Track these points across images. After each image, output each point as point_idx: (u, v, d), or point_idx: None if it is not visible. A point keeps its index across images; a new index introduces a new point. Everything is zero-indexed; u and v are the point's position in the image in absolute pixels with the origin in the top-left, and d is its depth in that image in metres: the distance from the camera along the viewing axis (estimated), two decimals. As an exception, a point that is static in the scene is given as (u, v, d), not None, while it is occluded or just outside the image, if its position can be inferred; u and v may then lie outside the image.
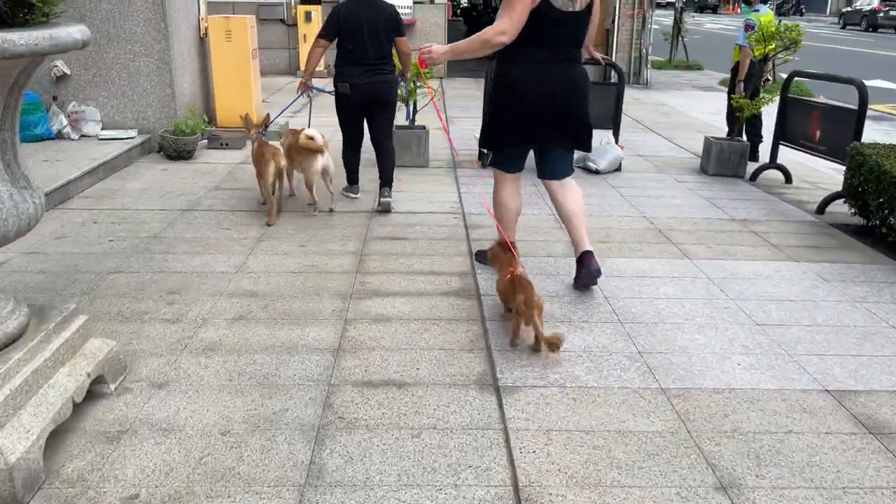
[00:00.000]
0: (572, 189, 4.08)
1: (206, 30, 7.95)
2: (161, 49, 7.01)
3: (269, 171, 5.13)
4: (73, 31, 2.42)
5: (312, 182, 5.33)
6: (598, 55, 6.54)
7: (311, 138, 5.16)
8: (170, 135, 6.92)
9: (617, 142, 7.11)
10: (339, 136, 5.79)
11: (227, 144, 7.57)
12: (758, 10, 7.65)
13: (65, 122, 6.88)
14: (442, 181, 6.51)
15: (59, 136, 6.88)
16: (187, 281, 4.05)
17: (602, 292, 4.08)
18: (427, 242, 4.83)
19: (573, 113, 3.88)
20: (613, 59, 14.51)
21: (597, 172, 6.87)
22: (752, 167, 7.07)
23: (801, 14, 49.93)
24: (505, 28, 3.57)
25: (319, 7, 13.55)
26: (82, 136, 6.99)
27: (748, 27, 7.33)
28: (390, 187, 5.66)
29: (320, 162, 5.24)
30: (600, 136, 7.01)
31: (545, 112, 3.81)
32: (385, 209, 5.54)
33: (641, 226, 5.36)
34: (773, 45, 6.81)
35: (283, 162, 5.34)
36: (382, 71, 5.41)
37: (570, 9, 3.69)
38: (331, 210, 5.52)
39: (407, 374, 3.13)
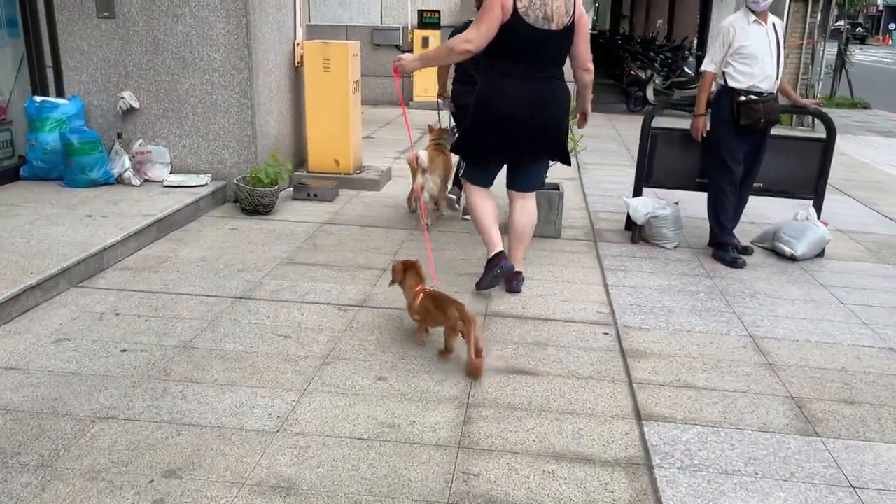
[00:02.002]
0: (531, 206, 4.23)
1: (301, 57, 6.73)
2: (243, 80, 5.80)
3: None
4: None
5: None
6: (807, 101, 4.95)
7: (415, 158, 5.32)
8: (245, 184, 5.68)
9: (819, 217, 5.27)
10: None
11: (315, 195, 6.27)
12: None
13: (127, 163, 5.77)
14: (580, 263, 4.90)
15: (120, 180, 5.77)
16: (200, 447, 2.63)
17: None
18: (566, 384, 3.23)
19: (548, 129, 3.96)
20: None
21: (793, 259, 5.06)
22: None
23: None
24: (472, 37, 3.70)
25: (438, 32, 12.29)
26: (146, 180, 5.86)
27: None
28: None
29: (419, 181, 5.35)
30: (796, 208, 5.21)
31: (518, 127, 3.89)
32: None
33: None
34: None
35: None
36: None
37: (546, 27, 3.72)
38: (427, 224, 5.25)
39: None
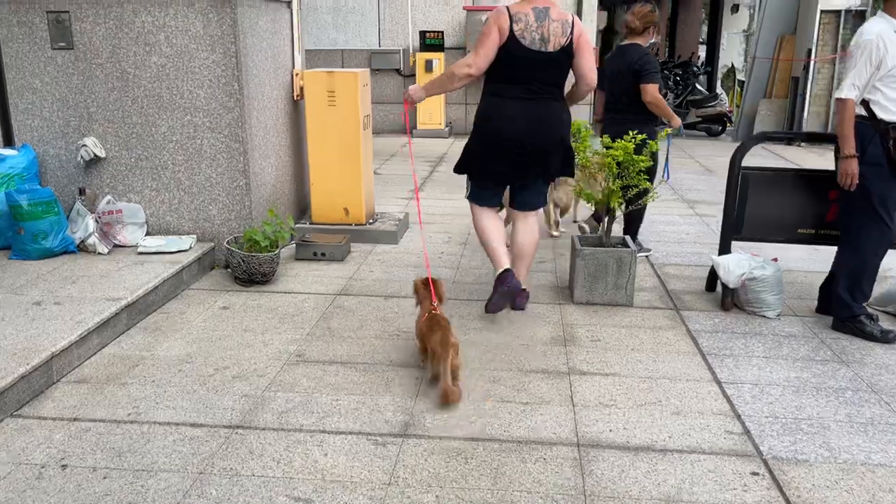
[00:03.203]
0: (533, 225, 4.21)
1: (301, 89, 5.68)
2: (232, 120, 4.74)
3: None
4: None
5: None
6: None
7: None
8: (238, 249, 4.60)
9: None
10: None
11: (324, 255, 5.19)
12: None
13: (92, 226, 4.67)
14: (671, 344, 3.83)
15: (83, 248, 4.68)
16: None
17: None
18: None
19: (548, 150, 3.95)
20: (804, 115, 11.55)
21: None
22: None
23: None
24: (471, 62, 3.81)
25: (442, 54, 11.30)
26: (116, 246, 4.77)
27: None
28: None
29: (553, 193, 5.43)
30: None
31: (516, 148, 3.90)
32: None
33: None
34: None
35: None
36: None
37: (542, 49, 3.77)
38: (551, 235, 5.56)
39: None
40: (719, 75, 16.65)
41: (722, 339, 3.91)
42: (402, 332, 3.93)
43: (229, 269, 4.74)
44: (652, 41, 5.22)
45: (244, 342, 3.78)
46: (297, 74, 5.67)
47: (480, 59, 3.80)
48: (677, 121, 5.15)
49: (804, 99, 11.54)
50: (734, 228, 4.38)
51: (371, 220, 5.87)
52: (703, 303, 4.46)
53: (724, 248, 4.41)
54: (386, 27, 11.84)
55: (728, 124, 13.86)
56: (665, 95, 13.56)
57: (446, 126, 11.66)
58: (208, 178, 4.85)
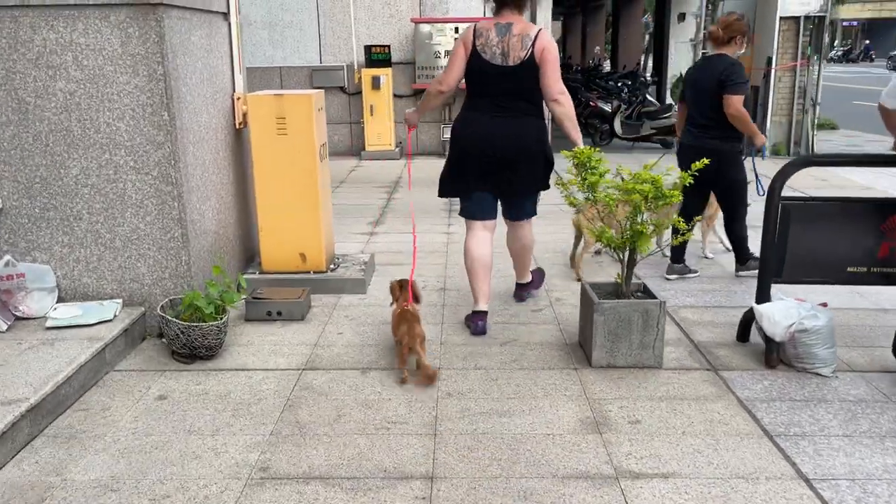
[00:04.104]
0: (524, 233, 4.29)
1: (244, 116, 4.81)
2: (163, 158, 3.85)
3: None
4: None
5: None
6: None
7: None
8: (175, 317, 3.70)
9: None
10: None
11: (280, 314, 4.32)
12: None
13: (-14, 297, 3.70)
14: (726, 421, 3.12)
15: (-26, 324, 3.70)
16: None
17: None
18: None
19: (516, 163, 3.96)
20: (767, 125, 11.20)
21: None
22: None
23: (871, 60, 48.09)
24: (442, 79, 4.01)
25: (390, 70, 10.52)
26: (19, 318, 3.81)
27: None
28: None
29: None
30: None
31: (483, 160, 3.97)
32: None
33: None
34: None
35: None
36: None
37: (502, 63, 3.84)
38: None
39: None
40: (668, 85, 16.35)
41: (782, 410, 3.22)
42: (391, 423, 3.11)
43: (164, 339, 3.83)
44: (741, 52, 4.82)
45: (189, 451, 2.90)
46: (238, 98, 4.79)
47: (448, 75, 3.99)
48: (761, 138, 4.85)
49: (765, 108, 11.19)
50: (775, 271, 3.72)
51: (333, 266, 5.02)
52: (742, 358, 3.77)
53: (763, 294, 3.74)
54: (327, 42, 10.99)
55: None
56: (619, 108, 13.22)
57: (396, 147, 10.86)
58: (135, 230, 3.94)
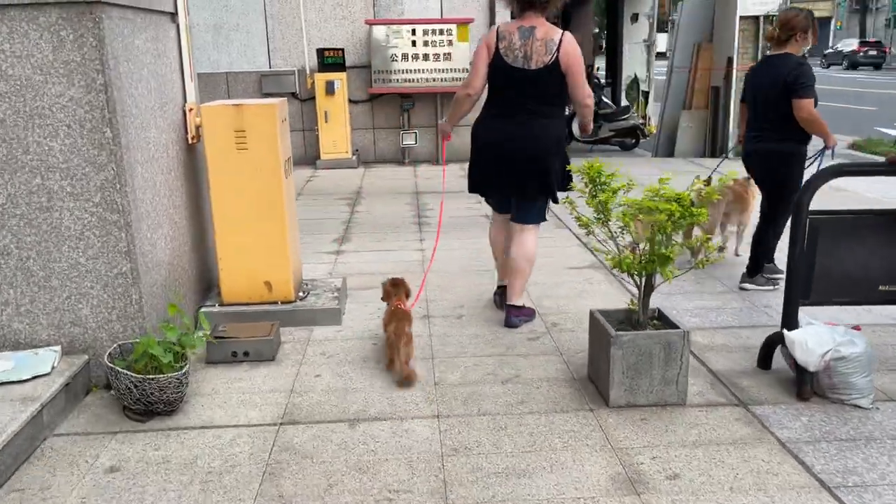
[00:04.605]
0: (525, 240, 4.17)
1: (198, 129, 4.27)
2: (106, 181, 3.30)
3: None
4: None
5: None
6: None
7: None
8: (127, 368, 3.16)
9: None
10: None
11: (247, 354, 3.80)
12: None
13: None
14: (773, 472, 2.74)
15: None
16: None
17: None
18: None
19: (530, 165, 3.99)
20: (730, 127, 11.05)
21: None
22: None
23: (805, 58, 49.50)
24: (469, 82, 4.07)
25: (344, 74, 10.00)
26: (-64, 378, 3.21)
27: None
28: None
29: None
30: None
31: (499, 161, 4.04)
32: None
33: None
34: None
35: None
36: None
37: (524, 66, 3.87)
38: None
39: None
40: (623, 86, 16.20)
41: (832, 454, 2.86)
42: (394, 492, 2.64)
43: (113, 391, 3.28)
44: (806, 48, 4.53)
45: (151, 544, 2.38)
46: (191, 110, 4.25)
47: (474, 78, 4.04)
48: (833, 139, 4.57)
49: (727, 109, 11.05)
50: (802, 292, 3.37)
51: (302, 294, 4.51)
52: (769, 390, 3.41)
53: (790, 319, 3.39)
54: (277, 45, 10.41)
55: (641, 137, 13.31)
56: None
57: (353, 154, 10.35)
58: (74, 265, 3.37)
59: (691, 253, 4.78)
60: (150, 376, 3.12)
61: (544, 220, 4.24)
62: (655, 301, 3.36)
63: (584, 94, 3.97)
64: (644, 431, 3.04)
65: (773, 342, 3.56)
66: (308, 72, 10.24)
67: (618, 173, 3.25)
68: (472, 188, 4.32)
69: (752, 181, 5.06)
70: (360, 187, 8.86)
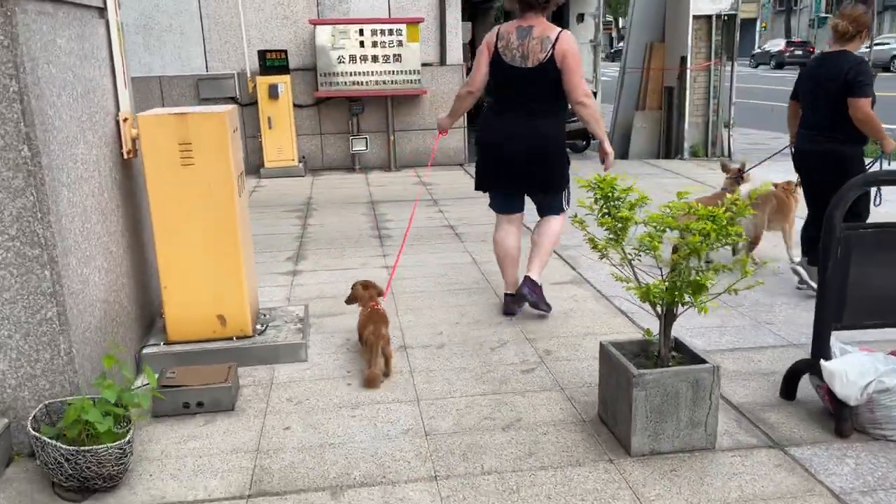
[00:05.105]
0: (551, 221, 4.29)
1: (134, 142, 3.69)
2: (24, 209, 2.71)
3: None
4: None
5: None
6: None
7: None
8: (56, 438, 2.58)
9: None
10: None
11: (201, 405, 3.25)
12: None
13: None
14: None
15: None
16: None
17: None
18: None
19: (532, 163, 4.04)
20: (685, 127, 10.89)
21: None
22: None
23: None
24: (470, 81, 4.14)
25: (288, 77, 9.41)
26: None
27: None
28: None
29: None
30: None
31: (502, 158, 4.10)
32: None
33: None
34: None
35: None
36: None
37: (522, 65, 3.91)
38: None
39: None
40: (570, 87, 15.97)
41: (892, 503, 2.51)
42: (398, 587, 2.15)
43: (38, 461, 2.69)
44: (863, 47, 4.38)
45: None
46: (125, 120, 3.67)
47: (475, 76, 4.10)
48: (891, 143, 4.31)
49: (681, 110, 10.88)
50: (835, 315, 3.03)
51: (261, 327, 3.97)
52: (801, 425, 3.06)
53: (822, 346, 3.04)
54: (214, 47, 9.73)
55: (592, 139, 13.09)
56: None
57: (300, 162, 9.76)
58: (-13, 312, 2.77)
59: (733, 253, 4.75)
60: (85, 448, 2.56)
61: (565, 208, 4.29)
62: (643, 314, 2.97)
63: (580, 91, 3.94)
64: (678, 487, 2.63)
65: (799, 371, 3.22)
66: (249, 75, 9.60)
67: (634, 187, 2.83)
68: (479, 186, 4.37)
69: (798, 184, 4.98)
70: (310, 197, 8.30)
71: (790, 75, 34.01)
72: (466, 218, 7.01)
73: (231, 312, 3.79)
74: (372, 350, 3.45)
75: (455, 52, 10.22)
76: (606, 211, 2.85)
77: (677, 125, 11.02)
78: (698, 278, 2.62)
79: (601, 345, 3.08)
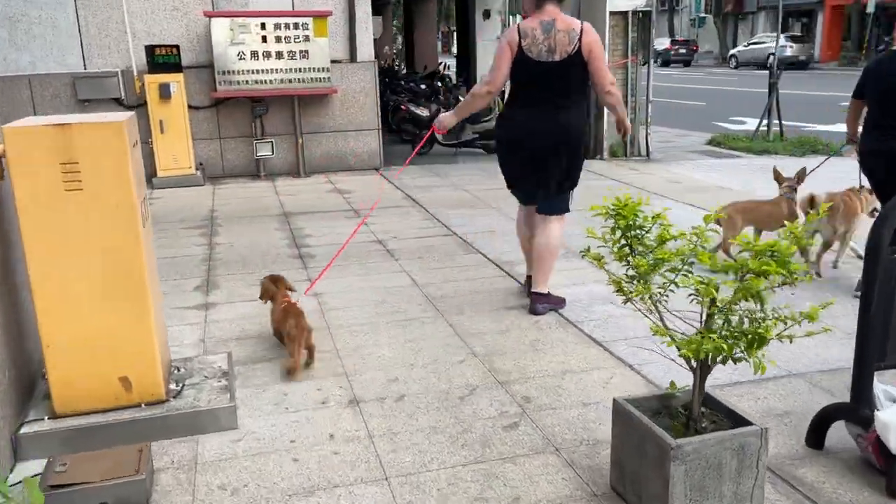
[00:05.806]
0: (549, 229, 4.26)
1: (0, 162, 2.84)
2: None
3: None
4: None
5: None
6: None
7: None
8: None
9: None
10: None
11: (104, 508, 2.47)
12: None
13: None
14: None
15: None
16: None
17: None
18: None
19: (556, 157, 4.06)
20: (604, 126, 10.65)
21: None
22: None
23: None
24: (489, 80, 4.13)
25: (181, 75, 8.44)
26: None
27: None
28: None
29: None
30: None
31: (525, 153, 4.13)
32: None
33: None
34: None
35: None
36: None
37: (549, 59, 3.95)
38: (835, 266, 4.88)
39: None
40: (479, 86, 15.60)
41: None
42: None
43: None
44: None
45: None
46: (-14, 132, 2.80)
47: (496, 75, 4.08)
48: None
49: (600, 108, 10.61)
50: (880, 353, 2.60)
51: (176, 387, 3.18)
52: (841, 481, 2.63)
53: (864, 387, 2.61)
54: (93, 42, 8.61)
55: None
56: (437, 112, 12.05)
57: (197, 169, 8.81)
58: None
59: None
60: None
61: (567, 210, 4.29)
62: (617, 342, 2.45)
63: (608, 80, 4.01)
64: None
65: (829, 417, 2.79)
66: (136, 73, 8.55)
67: (663, 215, 2.29)
68: (510, 186, 4.43)
69: (864, 190, 4.85)
70: (213, 210, 7.40)
71: (676, 73, 35.28)
72: (395, 231, 6.35)
73: (137, 372, 2.99)
74: (295, 342, 3.46)
75: (366, 48, 9.53)
76: (626, 243, 2.29)
77: (595, 123, 10.76)
78: (757, 328, 2.11)
79: (615, 402, 2.54)
